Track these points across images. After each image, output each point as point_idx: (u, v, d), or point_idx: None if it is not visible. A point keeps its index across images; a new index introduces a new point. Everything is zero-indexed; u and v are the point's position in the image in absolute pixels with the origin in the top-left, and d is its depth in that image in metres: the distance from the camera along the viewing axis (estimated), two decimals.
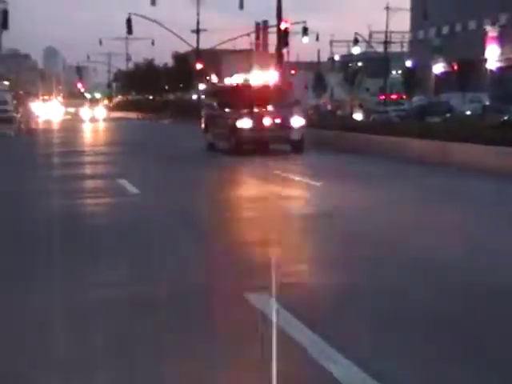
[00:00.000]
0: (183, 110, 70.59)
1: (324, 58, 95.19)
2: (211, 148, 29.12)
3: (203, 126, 30.58)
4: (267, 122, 26.01)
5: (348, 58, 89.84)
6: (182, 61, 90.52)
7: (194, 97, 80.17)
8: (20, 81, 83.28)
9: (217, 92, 36.39)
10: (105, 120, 69.79)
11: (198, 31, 72.60)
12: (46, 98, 75.40)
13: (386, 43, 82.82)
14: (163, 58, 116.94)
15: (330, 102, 76.60)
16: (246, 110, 26.30)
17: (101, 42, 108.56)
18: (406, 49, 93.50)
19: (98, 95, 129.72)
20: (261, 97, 27.32)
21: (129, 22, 62.61)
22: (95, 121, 66.60)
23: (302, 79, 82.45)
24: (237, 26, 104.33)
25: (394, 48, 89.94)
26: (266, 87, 30.14)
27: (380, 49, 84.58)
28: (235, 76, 53.49)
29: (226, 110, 27.83)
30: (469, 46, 68.10)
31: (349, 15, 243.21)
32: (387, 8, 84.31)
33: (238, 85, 33.06)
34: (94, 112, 74.59)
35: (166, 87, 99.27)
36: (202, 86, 78.71)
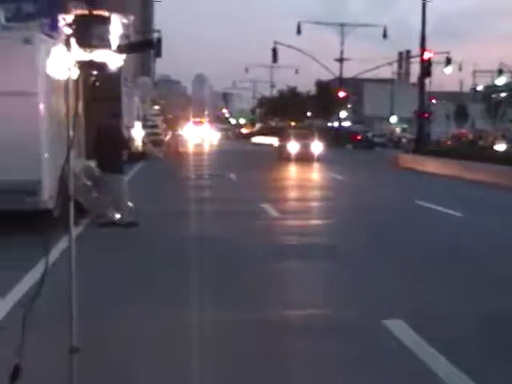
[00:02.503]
0: (323, 136, 71.78)
1: (467, 88, 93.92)
2: None
3: None
4: None
5: (491, 88, 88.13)
6: (325, 88, 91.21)
7: (336, 124, 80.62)
8: (170, 105, 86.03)
9: None
10: (250, 144, 71.09)
11: (341, 60, 73.47)
12: (197, 120, 77.39)
13: None
14: (306, 85, 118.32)
15: (472, 132, 75.50)
16: None
17: (247, 70, 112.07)
18: None
19: (242, 121, 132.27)
20: None
21: (274, 51, 63.89)
22: (240, 145, 67.74)
23: (443, 109, 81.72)
24: (380, 55, 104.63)
25: None
26: None
27: None
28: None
29: None
30: None
31: (494, 44, 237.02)
32: None
33: None
34: (238, 136, 76.79)
35: (309, 114, 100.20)
36: (343, 114, 79.14)
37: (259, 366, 6.68)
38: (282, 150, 44.67)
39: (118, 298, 9.05)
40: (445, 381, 6.23)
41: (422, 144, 41.98)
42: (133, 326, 7.90)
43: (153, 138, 47.39)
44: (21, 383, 4.63)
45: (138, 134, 39.97)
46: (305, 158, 40.54)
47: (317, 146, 42.86)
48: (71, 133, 4.35)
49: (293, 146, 42.69)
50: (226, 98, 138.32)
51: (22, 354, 4.38)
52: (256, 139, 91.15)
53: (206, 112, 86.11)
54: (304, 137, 44.31)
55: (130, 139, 36.30)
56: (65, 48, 3.82)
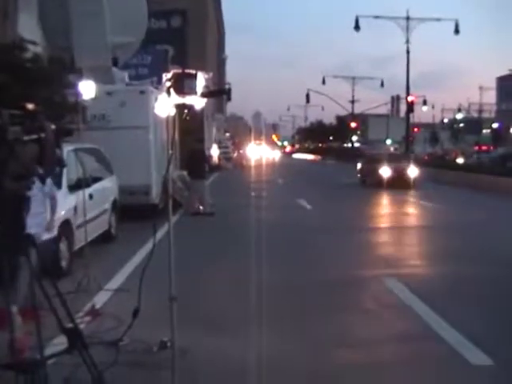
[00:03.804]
0: (342, 153, 72.62)
1: (437, 119, 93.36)
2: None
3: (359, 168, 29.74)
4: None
5: (454, 120, 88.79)
6: (342, 121, 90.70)
7: (349, 145, 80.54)
8: (236, 133, 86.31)
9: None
10: (290, 159, 71.16)
11: (353, 101, 73.31)
12: (257, 142, 77.17)
13: (480, 111, 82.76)
14: (329, 118, 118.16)
15: (441, 151, 75.37)
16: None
17: (289, 108, 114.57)
18: (493, 115, 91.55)
19: (285, 143, 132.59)
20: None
21: (307, 95, 63.88)
22: (284, 160, 67.59)
23: (422, 135, 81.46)
24: (379, 98, 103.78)
25: (485, 114, 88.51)
26: None
27: (475, 114, 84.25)
28: None
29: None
30: None
31: (455, 91, 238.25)
32: (480, 87, 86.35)
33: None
34: (283, 155, 77.22)
35: (331, 138, 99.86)
36: (354, 138, 79.30)
37: (303, 303, 6.63)
38: (369, 174, 27.16)
39: (203, 261, 9.11)
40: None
41: None
42: (215, 280, 7.94)
43: (225, 156, 47.63)
44: (138, 320, 4.69)
45: (215, 152, 40.23)
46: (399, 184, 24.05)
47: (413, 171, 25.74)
48: (170, 152, 4.36)
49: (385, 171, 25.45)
50: (274, 127, 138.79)
51: (139, 302, 4.41)
52: (295, 155, 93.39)
53: (263, 137, 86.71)
54: (398, 160, 27.45)
55: (210, 156, 36.50)
56: (166, 95, 3.84)
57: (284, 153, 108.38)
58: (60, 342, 4.14)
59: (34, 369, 3.08)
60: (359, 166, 29.49)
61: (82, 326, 5.16)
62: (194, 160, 15.62)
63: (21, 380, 3.11)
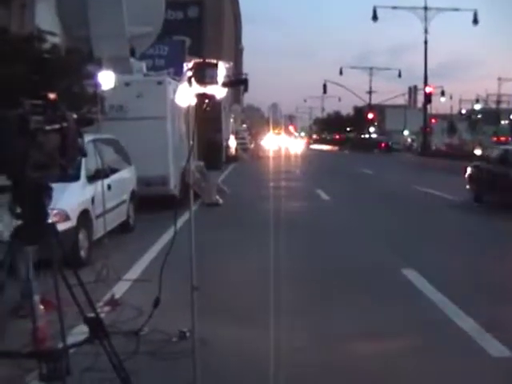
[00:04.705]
0: (358, 144, 72.54)
1: (455, 110, 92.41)
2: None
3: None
4: None
5: (472, 111, 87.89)
6: (359, 112, 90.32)
7: (366, 136, 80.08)
8: (253, 124, 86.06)
9: None
10: (307, 150, 70.97)
11: (370, 92, 72.94)
12: (276, 132, 76.55)
13: (498, 102, 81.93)
14: (346, 109, 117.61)
15: (459, 141, 74.65)
16: None
17: (305, 100, 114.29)
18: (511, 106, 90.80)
19: (302, 134, 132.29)
20: None
21: (324, 86, 63.81)
22: (302, 150, 67.29)
23: (440, 126, 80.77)
24: (396, 88, 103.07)
25: (504, 105, 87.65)
26: None
27: (494, 105, 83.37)
28: None
29: None
30: None
31: (473, 82, 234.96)
32: (499, 78, 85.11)
33: None
34: (301, 145, 77.14)
35: (348, 129, 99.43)
36: (372, 129, 78.78)
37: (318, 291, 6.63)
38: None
39: (223, 250, 9.13)
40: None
41: (426, 149, 42.14)
42: (233, 270, 7.94)
43: (242, 146, 47.60)
44: (160, 310, 4.69)
45: (232, 143, 40.15)
46: None
47: None
48: (191, 142, 4.34)
49: None
50: (291, 118, 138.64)
51: (160, 290, 4.41)
52: (313, 146, 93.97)
53: (282, 128, 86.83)
54: None
55: (228, 147, 36.48)
56: (187, 85, 3.82)
57: (307, 144, 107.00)
58: (79, 332, 4.18)
59: (57, 358, 3.10)
60: (470, 171, 16.68)
61: (101, 316, 5.19)
62: (210, 150, 15.64)
63: (43, 369, 3.13)
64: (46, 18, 15.63)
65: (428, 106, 43.78)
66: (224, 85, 3.89)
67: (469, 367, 4.69)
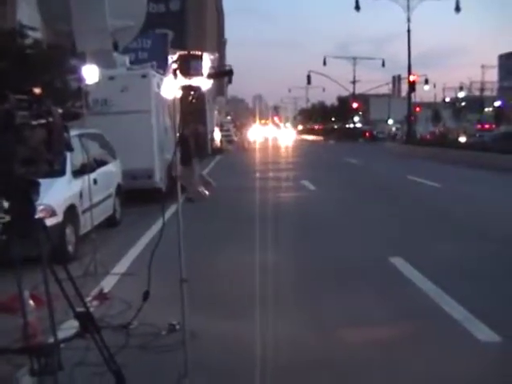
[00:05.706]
0: (343, 133, 72.84)
1: (439, 99, 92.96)
2: None
3: None
4: None
5: (455, 99, 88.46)
6: (343, 101, 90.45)
7: (351, 125, 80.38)
8: (237, 116, 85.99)
9: None
10: (293, 141, 70.93)
11: (354, 82, 73.06)
12: (263, 123, 76.45)
13: (482, 90, 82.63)
14: (330, 99, 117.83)
15: (443, 129, 75.01)
16: None
17: (290, 90, 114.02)
18: (495, 93, 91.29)
19: (288, 125, 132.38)
20: None
21: (308, 77, 63.82)
22: (287, 141, 67.20)
23: (424, 114, 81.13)
24: (380, 77, 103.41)
25: (487, 92, 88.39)
26: None
27: (477, 93, 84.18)
28: None
29: None
30: None
31: (456, 70, 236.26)
32: (482, 66, 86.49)
33: None
34: (287, 135, 77.06)
35: (332, 119, 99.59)
36: (356, 118, 79.03)
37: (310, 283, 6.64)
38: None
39: (209, 243, 9.10)
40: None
41: (410, 138, 42.47)
42: (220, 263, 7.94)
43: (227, 139, 47.57)
44: (149, 303, 4.70)
45: (217, 135, 40.09)
46: None
47: None
48: (177, 135, 4.33)
49: None
50: (276, 109, 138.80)
51: (149, 284, 4.41)
52: (298, 136, 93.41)
53: (268, 119, 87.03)
54: None
55: (213, 139, 36.39)
56: (172, 77, 3.81)
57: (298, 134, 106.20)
58: (69, 326, 4.17)
59: (48, 353, 3.10)
60: None
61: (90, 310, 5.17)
62: (197, 143, 15.55)
63: (34, 364, 3.12)
64: (27, 13, 15.46)
65: (412, 95, 43.90)
66: (209, 76, 3.88)
67: (457, 353, 4.74)
